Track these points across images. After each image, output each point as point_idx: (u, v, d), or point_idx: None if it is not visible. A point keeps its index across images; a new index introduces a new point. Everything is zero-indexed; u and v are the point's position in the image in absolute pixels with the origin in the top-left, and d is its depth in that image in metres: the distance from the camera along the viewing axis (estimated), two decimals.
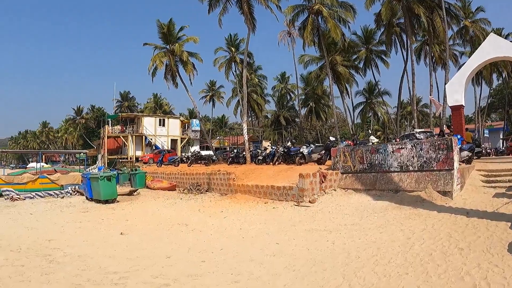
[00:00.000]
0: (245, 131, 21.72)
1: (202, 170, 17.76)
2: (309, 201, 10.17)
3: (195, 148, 39.34)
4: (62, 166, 54.90)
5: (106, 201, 14.10)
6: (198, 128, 43.44)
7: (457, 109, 14.97)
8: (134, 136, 39.16)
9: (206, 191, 15.82)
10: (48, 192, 16.75)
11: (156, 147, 38.10)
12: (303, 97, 49.10)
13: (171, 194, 16.61)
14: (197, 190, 16.10)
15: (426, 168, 9.68)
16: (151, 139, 39.39)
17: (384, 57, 37.85)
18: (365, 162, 11.19)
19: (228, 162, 21.44)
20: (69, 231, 8.61)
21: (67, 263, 6.08)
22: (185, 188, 17.09)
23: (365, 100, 47.55)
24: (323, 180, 10.84)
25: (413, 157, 10.04)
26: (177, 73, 28.50)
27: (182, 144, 41.52)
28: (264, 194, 12.06)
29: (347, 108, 41.33)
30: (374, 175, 10.79)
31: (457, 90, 14.74)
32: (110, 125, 42.19)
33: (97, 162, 44.94)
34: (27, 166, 47.77)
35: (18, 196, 15.27)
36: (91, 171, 31.12)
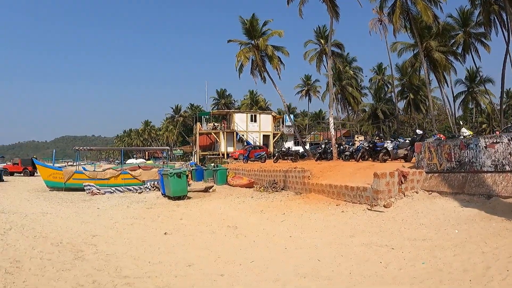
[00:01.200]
0: (331, 125, 20.72)
1: (282, 167, 17.21)
2: (384, 205, 8.67)
3: (289, 143, 39.24)
4: (164, 163, 60.82)
5: (178, 198, 14.60)
6: (291, 124, 43.41)
7: None
8: (225, 133, 40.90)
9: (282, 189, 15.37)
10: (128, 187, 18.20)
11: (248, 143, 39.12)
12: (400, 88, 46.51)
13: (246, 191, 16.51)
14: (273, 188, 15.75)
15: None
16: (243, 135, 40.56)
17: (484, 40, 33.84)
18: (453, 159, 9.22)
19: (316, 158, 21.01)
20: (119, 228, 8.93)
21: (91, 261, 6.15)
22: (262, 185, 16.88)
23: (466, 89, 43.44)
24: (403, 180, 9.16)
25: (510, 153, 7.87)
26: (263, 68, 28.78)
27: (275, 139, 41.90)
28: (338, 195, 10.92)
29: (446, 99, 38.71)
30: (464, 176, 8.82)
31: None
32: (205, 122, 44.95)
33: (191, 158, 48.43)
34: (127, 162, 54.13)
35: (98, 191, 16.93)
36: (185, 166, 33.55)
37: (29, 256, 6.29)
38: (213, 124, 44.33)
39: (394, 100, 46.69)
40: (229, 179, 20.93)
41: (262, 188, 16.46)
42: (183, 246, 7.11)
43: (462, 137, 11.50)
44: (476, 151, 8.65)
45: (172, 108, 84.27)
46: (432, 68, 33.40)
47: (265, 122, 42.02)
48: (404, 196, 9.15)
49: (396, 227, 7.01)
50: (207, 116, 45.67)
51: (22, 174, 34.27)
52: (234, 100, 73.82)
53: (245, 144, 39.18)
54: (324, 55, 41.90)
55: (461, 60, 35.92)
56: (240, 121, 40.83)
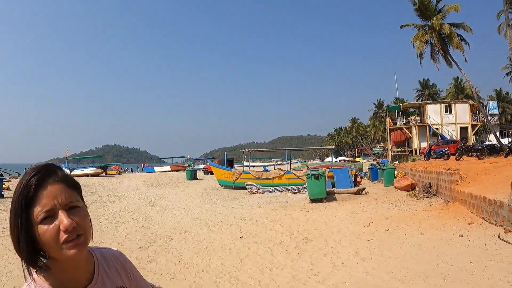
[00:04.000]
0: None
1: (444, 166, 13.79)
2: None
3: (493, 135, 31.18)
4: (374, 160, 59.55)
5: (320, 200, 13.92)
6: (496, 112, 34.13)
7: None
8: (417, 127, 36.10)
9: (434, 195, 12.34)
10: (287, 187, 18.38)
11: (442, 137, 33.22)
12: None
13: (396, 195, 14.17)
14: (426, 192, 12.87)
15: None
16: (437, 128, 34.74)
17: None
18: None
19: (505, 154, 16.27)
20: (215, 227, 9.29)
21: (147, 252, 6.85)
22: (418, 189, 14.12)
23: None
24: None
25: None
26: (443, 50, 23.78)
27: (474, 131, 33.92)
28: (477, 208, 7.84)
29: None
30: None
31: None
32: (402, 116, 40.91)
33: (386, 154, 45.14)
34: (325, 160, 55.25)
35: (257, 190, 17.78)
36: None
37: (112, 241, 7.48)
38: (406, 118, 39.81)
39: None
40: (395, 180, 18.33)
41: (414, 192, 13.74)
42: (231, 253, 6.78)
43: None
44: None
45: (375, 103, 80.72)
46: None
47: (462, 113, 34.47)
48: None
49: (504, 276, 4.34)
50: (399, 110, 41.38)
51: None
52: (439, 90, 63.84)
53: (440, 138, 33.33)
54: None
55: None
56: (433, 113, 34.93)
